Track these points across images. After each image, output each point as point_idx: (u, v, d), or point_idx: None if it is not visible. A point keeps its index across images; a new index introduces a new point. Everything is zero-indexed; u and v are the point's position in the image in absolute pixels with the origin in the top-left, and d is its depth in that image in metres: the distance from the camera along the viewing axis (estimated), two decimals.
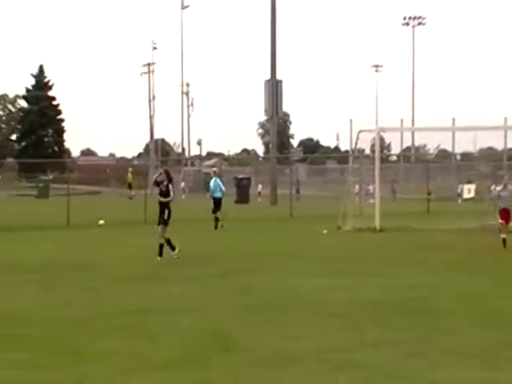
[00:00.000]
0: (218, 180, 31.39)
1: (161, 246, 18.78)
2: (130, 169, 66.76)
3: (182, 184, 76.48)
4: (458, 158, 71.52)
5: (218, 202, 30.45)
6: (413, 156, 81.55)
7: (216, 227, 29.80)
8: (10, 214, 36.43)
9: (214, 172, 33.75)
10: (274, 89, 58.15)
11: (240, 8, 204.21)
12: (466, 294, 13.64)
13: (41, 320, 11.18)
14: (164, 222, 18.86)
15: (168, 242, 18.88)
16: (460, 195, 58.21)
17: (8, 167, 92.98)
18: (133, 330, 10.45)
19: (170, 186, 19.08)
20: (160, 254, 18.68)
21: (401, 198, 53.94)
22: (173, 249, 18.93)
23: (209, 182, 31.71)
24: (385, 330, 10.34)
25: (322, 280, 15.39)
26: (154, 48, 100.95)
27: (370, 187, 36.82)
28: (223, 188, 31.28)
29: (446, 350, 9.20)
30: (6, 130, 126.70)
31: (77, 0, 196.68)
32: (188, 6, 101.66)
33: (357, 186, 35.56)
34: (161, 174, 19.41)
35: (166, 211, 18.88)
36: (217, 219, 30.11)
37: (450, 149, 59.58)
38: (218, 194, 30.66)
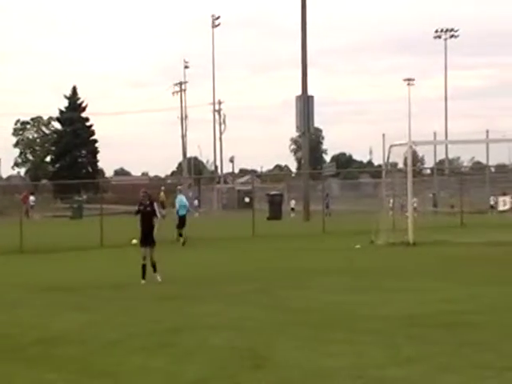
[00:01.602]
0: (182, 197, 31.87)
1: (143, 267, 18.67)
2: (163, 188, 66.83)
3: (196, 202, 75.30)
4: (493, 170, 71.06)
5: (182, 219, 30.95)
6: (446, 169, 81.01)
7: (184, 244, 30.35)
8: (44, 235, 36.69)
9: (179, 190, 34.04)
10: (305, 104, 58.10)
11: (270, 23, 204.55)
12: (501, 308, 13.49)
13: (75, 340, 11.24)
14: (153, 243, 18.75)
15: (154, 264, 18.71)
16: (493, 207, 57.78)
17: (43, 189, 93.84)
18: (166, 348, 10.46)
19: (155, 206, 18.95)
20: (143, 277, 18.60)
21: (434, 211, 53.67)
22: (154, 271, 18.72)
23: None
24: (419, 345, 10.26)
25: (356, 295, 15.32)
26: (186, 67, 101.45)
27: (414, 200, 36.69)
28: (187, 204, 32.00)
29: (481, 364, 9.10)
30: (41, 152, 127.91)
31: (107, 19, 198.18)
32: (219, 25, 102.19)
33: (391, 200, 35.46)
34: (143, 197, 18.83)
35: (153, 232, 18.72)
36: (180, 235, 30.72)
37: (484, 161, 59.28)
38: (182, 212, 31.00)
